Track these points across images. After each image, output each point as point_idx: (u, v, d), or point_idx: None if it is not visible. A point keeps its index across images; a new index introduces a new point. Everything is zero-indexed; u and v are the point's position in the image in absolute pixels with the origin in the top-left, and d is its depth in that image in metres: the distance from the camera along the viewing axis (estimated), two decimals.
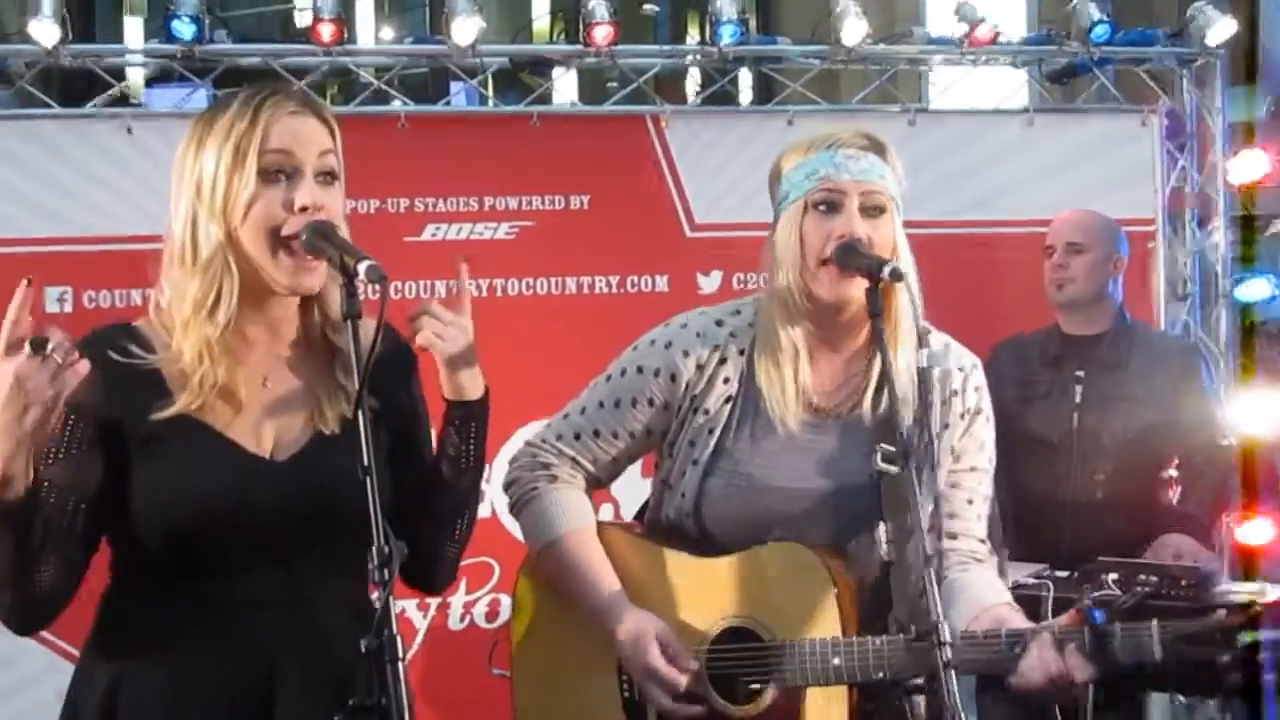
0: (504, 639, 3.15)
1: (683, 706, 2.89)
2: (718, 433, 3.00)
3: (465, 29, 5.67)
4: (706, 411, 3.00)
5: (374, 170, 5.42)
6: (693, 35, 18.09)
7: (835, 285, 2.88)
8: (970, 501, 3.05)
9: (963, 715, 2.51)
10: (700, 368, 3.01)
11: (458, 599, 5.62)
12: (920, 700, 2.84)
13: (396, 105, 5.92)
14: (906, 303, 2.82)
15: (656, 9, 22.01)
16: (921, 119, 6.06)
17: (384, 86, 5.88)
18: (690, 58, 6.47)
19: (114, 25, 20.16)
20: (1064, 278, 4.88)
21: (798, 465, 2.98)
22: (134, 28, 20.68)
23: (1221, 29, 6.15)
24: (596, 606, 2.98)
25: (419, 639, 5.59)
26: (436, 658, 5.47)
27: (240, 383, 2.44)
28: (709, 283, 5.84)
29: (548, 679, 3.08)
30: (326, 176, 2.43)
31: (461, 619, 5.64)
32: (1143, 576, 3.99)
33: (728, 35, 5.88)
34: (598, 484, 3.16)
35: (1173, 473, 4.99)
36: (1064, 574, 4.19)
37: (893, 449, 2.74)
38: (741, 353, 3.01)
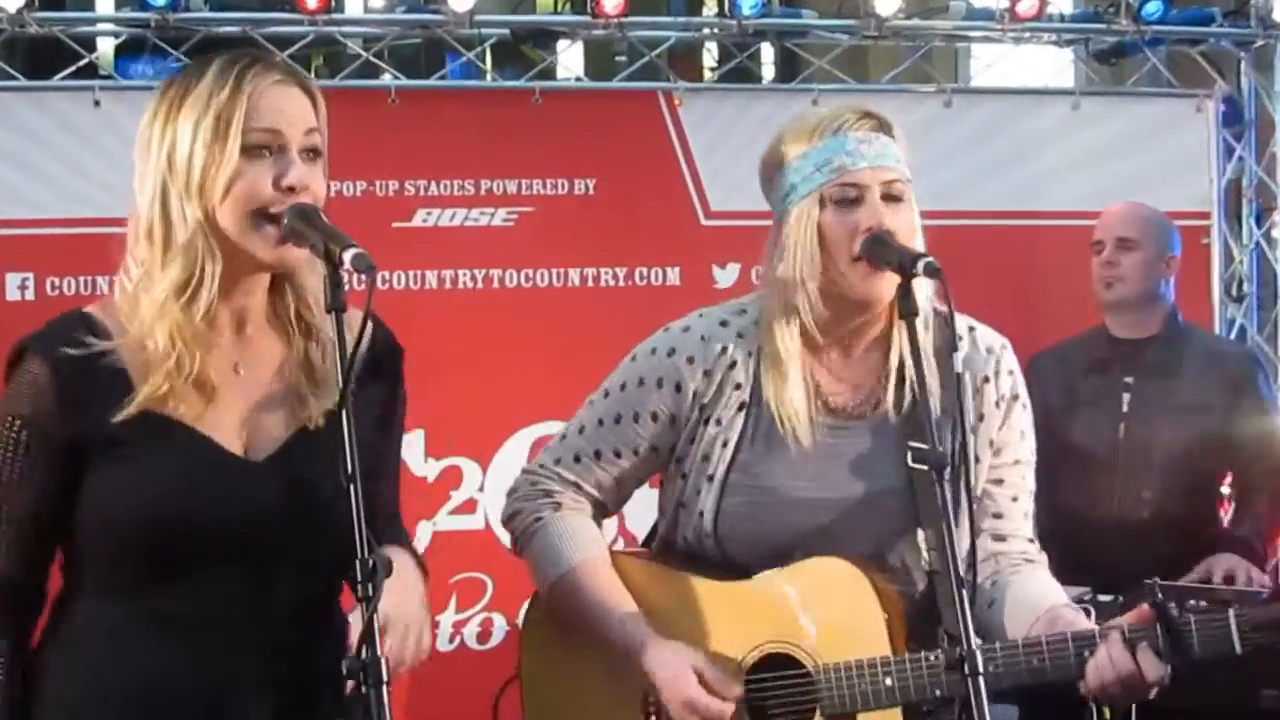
0: (513, 679, 3.13)
1: None
2: (733, 444, 2.98)
3: None
4: (719, 422, 2.99)
5: (361, 149, 5.41)
6: (710, 6, 18.07)
7: (867, 282, 2.86)
8: (1016, 499, 3.04)
9: None
10: (708, 374, 2.99)
11: (446, 618, 5.61)
12: None
13: (386, 79, 5.93)
14: (924, 296, 2.82)
15: None
16: (958, 100, 6.05)
17: (373, 59, 5.89)
18: (707, 30, 6.48)
19: None
20: (1113, 276, 4.87)
21: (826, 473, 2.96)
22: None
23: None
24: (618, 640, 2.95)
25: (408, 663, 5.58)
26: (423, 682, 5.46)
27: (211, 371, 2.41)
28: (725, 276, 5.83)
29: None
30: (310, 154, 2.42)
31: (451, 640, 5.64)
32: (1193, 602, 3.99)
33: (748, 6, 5.87)
34: (604, 510, 3.14)
35: (1226, 490, 4.98)
36: (1107, 598, 4.19)
37: (924, 448, 2.73)
38: (750, 355, 2.99)
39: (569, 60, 6.60)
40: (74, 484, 2.38)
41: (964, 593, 2.57)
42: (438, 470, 5.61)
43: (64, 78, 5.62)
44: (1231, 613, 2.75)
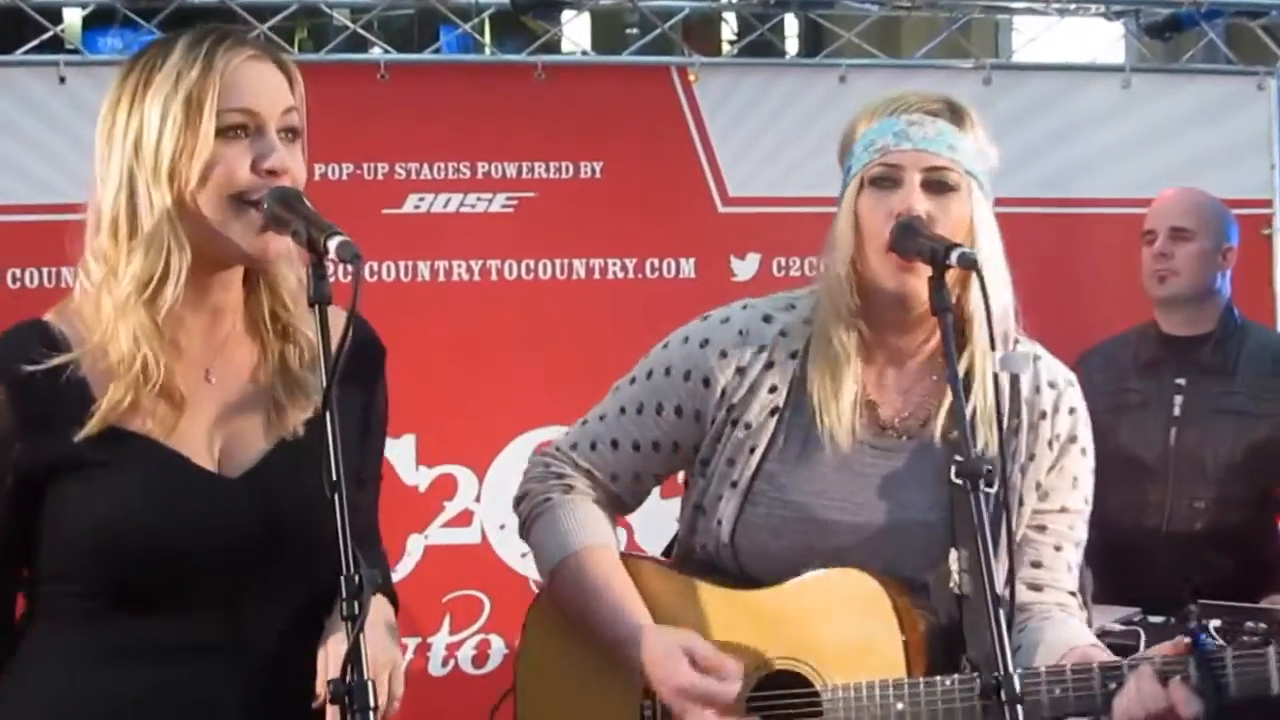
0: (510, 692, 3.15)
1: None
2: (760, 451, 2.99)
3: None
4: (747, 425, 3.00)
5: (349, 130, 5.43)
6: None
7: (897, 276, 2.87)
8: (1059, 548, 3.03)
9: None
10: (740, 372, 3.00)
11: (439, 639, 5.62)
12: None
13: (376, 53, 5.92)
14: (988, 297, 2.81)
15: None
16: (998, 76, 6.04)
17: (361, 31, 5.89)
18: (725, 0, 6.47)
19: None
20: (1166, 269, 4.87)
21: (855, 494, 2.97)
22: None
23: None
24: (614, 629, 2.97)
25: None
26: (415, 709, 5.47)
27: (179, 378, 2.41)
28: (744, 268, 5.83)
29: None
30: (289, 134, 2.42)
31: (444, 663, 5.65)
32: (1250, 624, 3.99)
33: None
34: (620, 506, 3.16)
35: None
36: (1158, 619, 4.19)
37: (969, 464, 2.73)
38: (793, 356, 3.00)
39: (574, 32, 6.61)
40: (36, 508, 2.38)
41: (1000, 610, 2.56)
42: (430, 479, 5.61)
43: (26, 52, 5.61)
44: (1272, 650, 2.73)
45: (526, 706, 3.12)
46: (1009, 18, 6.35)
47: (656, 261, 5.81)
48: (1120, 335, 4.99)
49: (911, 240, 2.81)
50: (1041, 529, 3.02)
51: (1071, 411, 3.03)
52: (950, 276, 2.77)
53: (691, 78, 5.87)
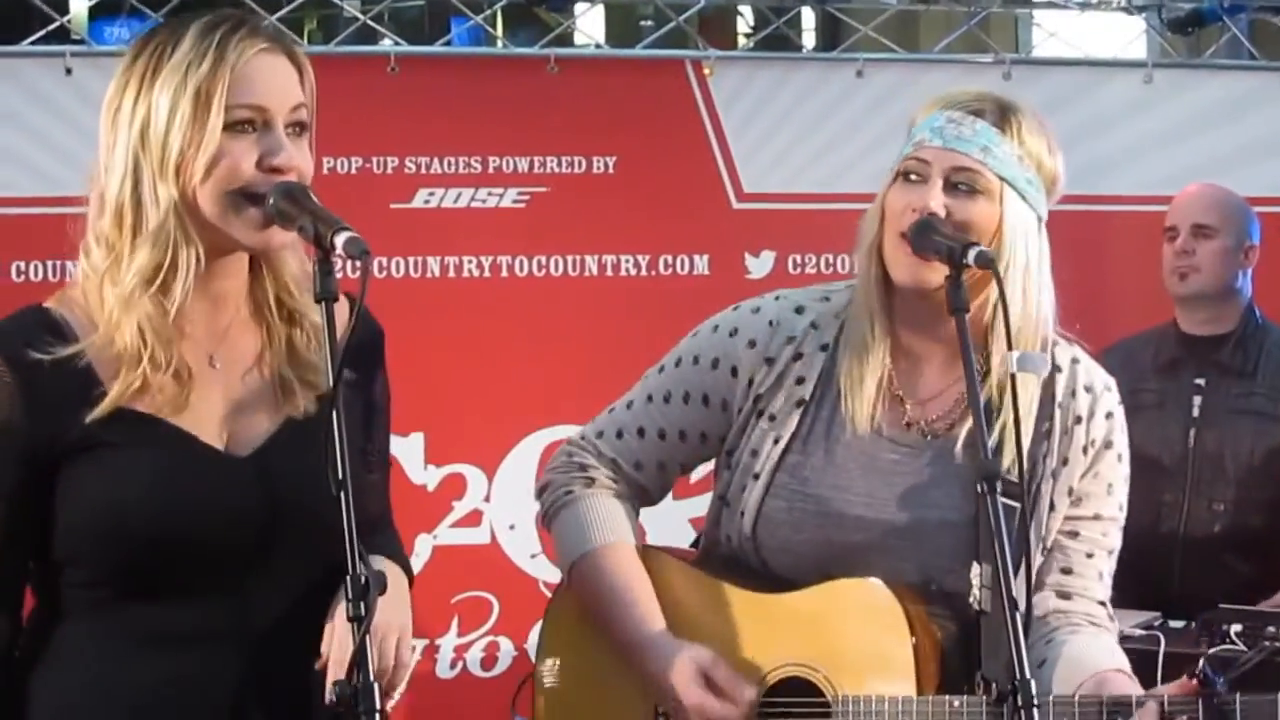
0: (529, 678, 3.17)
1: None
2: (784, 443, 2.99)
3: None
4: (772, 416, 3.00)
5: (358, 123, 5.43)
6: None
7: (913, 268, 2.87)
8: (1090, 555, 3.02)
9: None
10: (769, 362, 3.01)
11: (448, 641, 5.63)
12: None
13: (386, 45, 5.93)
14: (1015, 296, 2.81)
15: None
16: (1018, 71, 6.04)
17: (371, 22, 5.90)
18: None
19: None
20: (1188, 266, 4.87)
21: (878, 490, 2.97)
22: None
23: None
24: (629, 632, 2.99)
25: (400, 688, 5.59)
26: (423, 712, 5.48)
27: (184, 363, 2.41)
28: (759, 265, 5.84)
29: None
30: (296, 129, 2.42)
31: (452, 665, 5.66)
32: (1272, 629, 3.98)
33: None
34: (645, 496, 3.17)
35: None
36: (1178, 624, 4.18)
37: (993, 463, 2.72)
38: (824, 348, 3.00)
39: (588, 25, 6.62)
40: (46, 493, 2.39)
41: (1017, 616, 2.55)
42: (438, 478, 5.61)
43: (33, 42, 5.63)
44: None
45: (545, 696, 3.13)
46: (1029, 12, 6.34)
47: (670, 258, 5.81)
48: (1140, 335, 4.99)
49: (928, 239, 2.81)
50: (1073, 535, 3.01)
51: (1108, 416, 3.03)
52: (977, 277, 2.78)
53: (706, 71, 5.87)
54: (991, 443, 2.83)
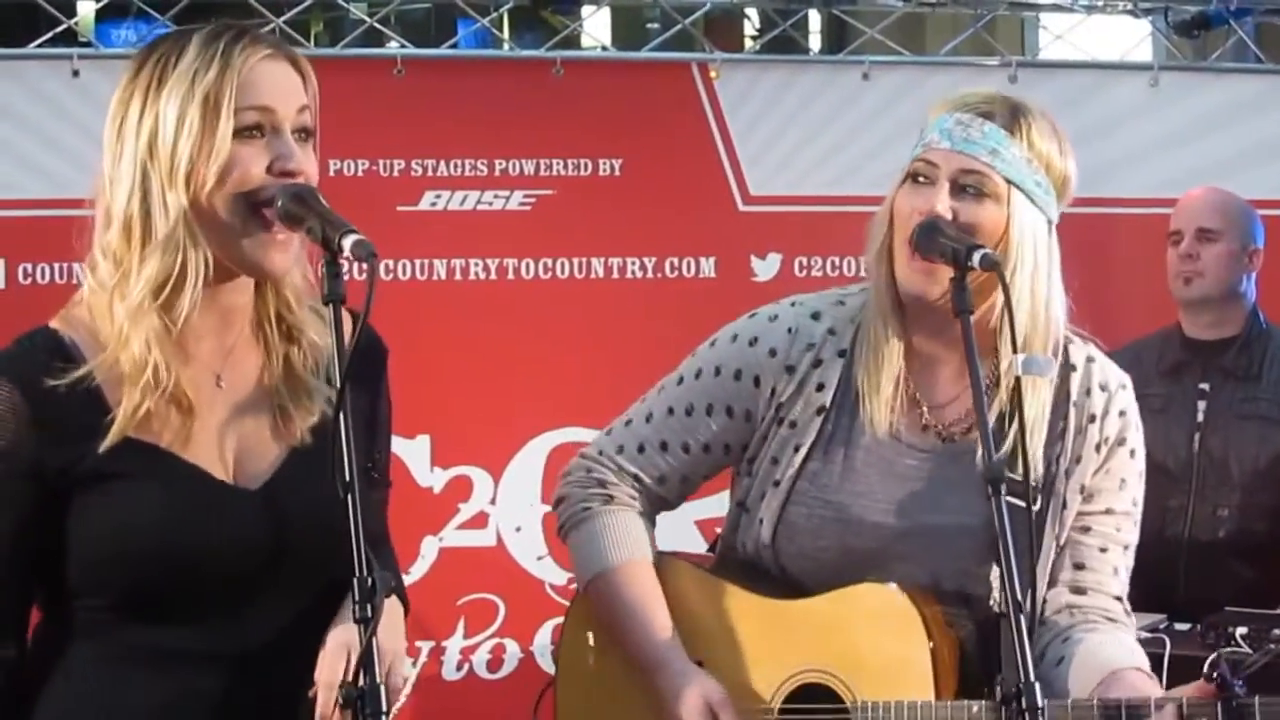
0: (551, 684, 3.19)
1: None
2: (804, 450, 2.99)
3: None
4: (793, 424, 3.00)
5: (364, 125, 5.44)
6: None
7: (915, 279, 2.87)
8: (1104, 550, 3.02)
9: None
10: (790, 370, 3.01)
11: (454, 643, 5.61)
12: None
13: (393, 48, 5.93)
14: (1023, 299, 2.81)
15: None
16: (1024, 74, 6.03)
17: (378, 25, 5.90)
18: None
19: None
20: (1192, 270, 4.86)
21: (898, 496, 2.97)
22: None
23: None
24: (646, 659, 3.00)
25: (406, 691, 5.60)
26: (429, 714, 5.48)
27: (190, 384, 2.41)
28: (765, 268, 5.84)
29: None
30: (302, 134, 2.43)
31: (459, 668, 5.65)
32: (1278, 631, 3.98)
33: None
34: (664, 505, 3.17)
35: None
36: (1184, 627, 4.18)
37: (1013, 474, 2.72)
38: (841, 354, 3.00)
39: (594, 27, 6.61)
40: (54, 518, 2.39)
41: (1021, 617, 2.54)
42: (445, 480, 5.61)
43: (39, 45, 5.64)
44: None
45: (566, 702, 3.15)
46: (1035, 14, 6.34)
47: (676, 261, 5.81)
48: (1144, 339, 4.98)
49: (933, 241, 2.81)
50: (1086, 530, 3.01)
51: (1122, 414, 3.03)
52: (985, 281, 2.78)
53: (713, 74, 5.87)
54: (1006, 446, 2.84)
